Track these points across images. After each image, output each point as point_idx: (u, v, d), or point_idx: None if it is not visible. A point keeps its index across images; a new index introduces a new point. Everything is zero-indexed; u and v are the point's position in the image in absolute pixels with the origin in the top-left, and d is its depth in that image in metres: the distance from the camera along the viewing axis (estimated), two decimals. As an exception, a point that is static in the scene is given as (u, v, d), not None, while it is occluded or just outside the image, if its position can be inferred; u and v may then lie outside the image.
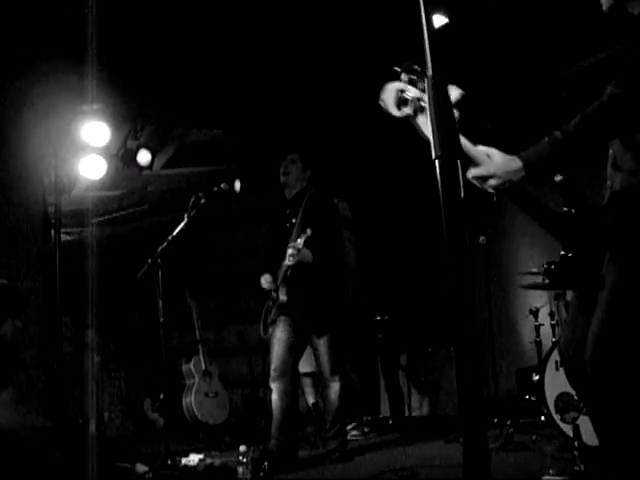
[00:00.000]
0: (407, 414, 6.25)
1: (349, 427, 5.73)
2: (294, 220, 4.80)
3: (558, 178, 4.88)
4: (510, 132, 6.41)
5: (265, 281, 4.85)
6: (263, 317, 4.84)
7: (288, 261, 4.59)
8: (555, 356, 4.34)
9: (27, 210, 5.90)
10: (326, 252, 4.72)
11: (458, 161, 1.71)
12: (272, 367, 4.76)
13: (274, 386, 4.75)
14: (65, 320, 6.25)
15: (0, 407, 4.58)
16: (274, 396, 4.75)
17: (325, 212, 4.87)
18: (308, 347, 4.92)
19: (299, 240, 4.48)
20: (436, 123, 1.69)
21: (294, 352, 4.78)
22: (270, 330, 4.78)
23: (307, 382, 6.04)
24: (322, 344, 4.75)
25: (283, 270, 4.70)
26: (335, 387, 4.78)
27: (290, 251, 4.55)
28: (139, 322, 7.47)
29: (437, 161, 1.71)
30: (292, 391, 4.78)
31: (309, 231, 4.47)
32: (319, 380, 5.87)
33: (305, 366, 5.56)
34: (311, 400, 6.08)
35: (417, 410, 6.23)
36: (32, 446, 4.46)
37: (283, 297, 4.67)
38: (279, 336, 4.76)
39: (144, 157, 6.59)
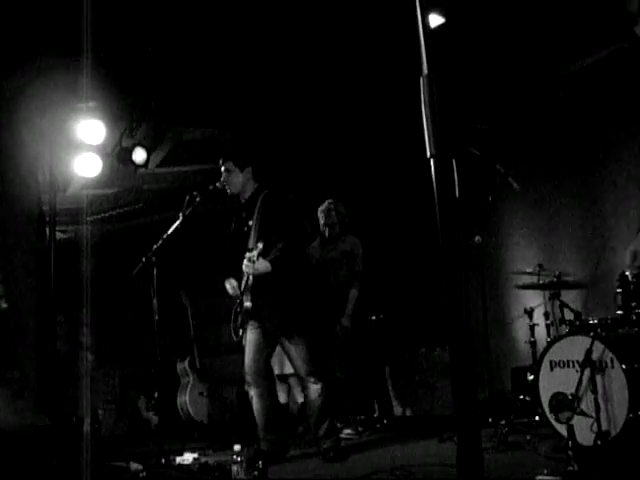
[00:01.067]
0: (401, 413, 6.25)
1: (341, 426, 5.74)
2: (251, 222, 4.77)
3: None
4: (506, 132, 6.43)
5: (230, 286, 4.84)
6: (232, 321, 4.82)
7: (245, 270, 4.61)
8: (550, 356, 4.34)
9: (22, 208, 5.88)
10: (285, 255, 4.66)
11: (453, 160, 1.72)
12: (245, 371, 4.79)
13: (250, 390, 4.79)
14: (59, 318, 6.24)
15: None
16: (253, 400, 4.78)
17: (280, 211, 4.79)
18: (279, 350, 4.95)
19: (253, 252, 4.47)
20: (431, 122, 1.69)
21: (264, 354, 4.80)
22: (241, 333, 4.77)
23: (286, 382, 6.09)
24: (293, 346, 4.74)
25: (245, 277, 4.69)
26: (314, 387, 4.77)
27: (245, 262, 4.55)
28: (133, 320, 7.46)
29: (432, 160, 1.71)
30: (268, 391, 4.81)
31: (260, 245, 4.45)
32: (286, 381, 5.91)
33: (283, 368, 5.63)
34: (283, 400, 6.08)
35: (411, 410, 6.23)
36: (26, 444, 4.45)
37: (248, 304, 4.64)
38: (249, 339, 4.78)
39: (139, 155, 6.57)
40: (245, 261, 4.55)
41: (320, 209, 6.21)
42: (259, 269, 4.55)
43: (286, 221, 4.77)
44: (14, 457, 4.25)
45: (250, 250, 4.54)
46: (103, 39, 4.98)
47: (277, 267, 4.61)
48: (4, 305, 4.83)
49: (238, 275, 4.76)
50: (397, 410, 6.31)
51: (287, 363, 5.37)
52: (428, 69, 1.68)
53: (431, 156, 1.69)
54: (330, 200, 6.21)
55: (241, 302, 4.69)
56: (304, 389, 4.87)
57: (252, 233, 4.72)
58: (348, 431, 5.80)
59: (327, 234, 6.16)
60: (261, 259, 4.52)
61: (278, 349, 4.97)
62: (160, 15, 5.21)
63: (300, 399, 5.86)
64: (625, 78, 5.57)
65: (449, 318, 1.80)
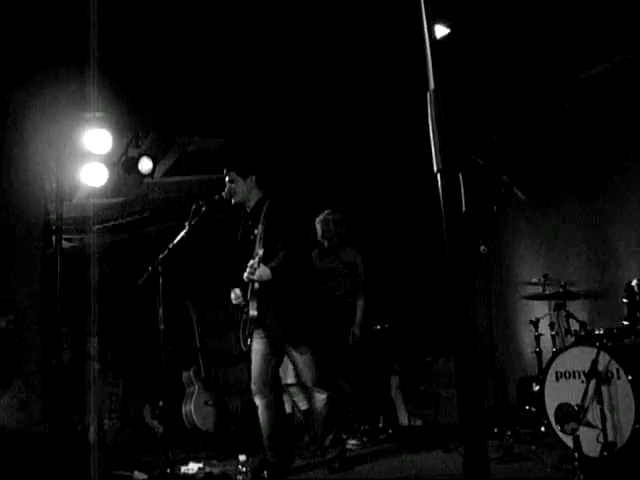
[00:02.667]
0: (407, 424, 6.23)
1: (346, 437, 5.72)
2: (256, 231, 4.77)
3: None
4: (512, 142, 6.44)
5: (235, 297, 4.83)
6: (241, 331, 4.82)
7: (246, 279, 4.61)
8: (555, 366, 4.34)
9: (28, 217, 5.90)
10: (287, 263, 4.64)
11: (459, 175, 1.72)
12: (252, 381, 4.76)
13: (256, 400, 4.74)
14: (63, 329, 6.24)
15: (1, 412, 4.59)
16: (259, 410, 4.74)
17: (284, 219, 4.78)
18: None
19: (255, 259, 4.49)
20: (437, 137, 1.69)
21: (271, 363, 4.77)
22: (249, 342, 4.76)
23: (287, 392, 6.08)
24: (298, 355, 4.72)
25: (250, 285, 4.68)
26: (319, 397, 4.75)
27: (248, 270, 4.56)
28: (139, 329, 7.47)
29: (438, 175, 1.71)
30: (275, 401, 4.77)
31: (260, 252, 4.49)
32: (298, 390, 5.88)
33: (285, 377, 5.59)
34: (288, 409, 6.07)
35: (416, 420, 6.22)
36: (32, 452, 4.45)
37: (253, 312, 4.63)
38: (255, 348, 4.76)
39: (145, 165, 6.59)
40: (247, 269, 4.56)
41: (318, 220, 6.20)
42: (261, 276, 4.56)
43: (289, 229, 4.77)
44: (19, 465, 4.26)
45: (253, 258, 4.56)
46: (109, 49, 5.00)
47: (279, 275, 4.60)
48: (3, 324, 4.86)
49: (245, 284, 4.76)
50: (403, 420, 6.30)
51: (289, 372, 5.36)
52: (435, 84, 1.69)
53: (438, 171, 1.70)
54: (328, 210, 6.21)
55: (248, 311, 4.69)
56: (310, 399, 4.86)
57: (257, 242, 4.73)
58: (353, 441, 5.78)
59: (326, 245, 6.16)
60: (262, 266, 4.53)
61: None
62: (166, 26, 5.24)
63: (303, 407, 5.86)
64: (629, 89, 5.58)
65: (455, 328, 1.81)
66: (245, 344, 4.73)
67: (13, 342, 5.24)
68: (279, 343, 4.75)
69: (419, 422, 6.18)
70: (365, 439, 5.88)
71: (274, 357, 4.78)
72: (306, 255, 5.01)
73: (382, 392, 6.38)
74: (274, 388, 4.79)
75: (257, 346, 4.75)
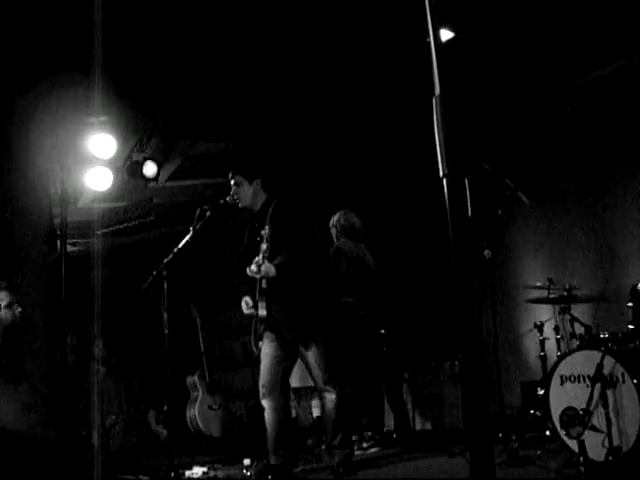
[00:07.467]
0: (411, 428, 6.21)
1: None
2: (263, 233, 4.75)
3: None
4: (516, 146, 6.44)
5: (245, 305, 4.80)
6: (252, 333, 4.80)
7: (250, 273, 4.59)
8: (560, 370, 4.32)
9: (33, 221, 5.92)
10: (291, 261, 4.63)
11: (465, 179, 1.72)
12: (260, 383, 4.73)
13: (264, 403, 4.71)
14: (69, 336, 6.25)
15: (5, 415, 4.59)
16: (266, 413, 4.70)
17: (290, 220, 4.77)
18: None
19: (259, 256, 4.49)
20: (443, 141, 1.69)
21: (281, 367, 4.73)
22: (260, 345, 4.74)
23: (315, 395, 6.06)
24: (310, 355, 4.70)
25: (257, 285, 4.65)
26: (330, 397, 4.73)
27: (253, 267, 4.54)
28: (143, 334, 7.47)
29: (444, 179, 1.71)
30: (283, 405, 4.74)
31: (264, 246, 4.47)
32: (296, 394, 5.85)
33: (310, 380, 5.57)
34: (316, 413, 6.06)
35: (421, 424, 6.20)
36: (36, 457, 4.45)
37: (262, 312, 4.61)
38: (265, 351, 4.72)
39: (150, 169, 6.61)
40: (253, 266, 4.55)
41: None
42: (266, 272, 4.53)
43: (294, 230, 4.76)
44: (25, 468, 4.26)
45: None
46: (114, 55, 5.03)
47: (283, 272, 4.58)
48: (18, 309, 4.88)
49: (253, 285, 4.75)
50: (408, 425, 6.28)
51: (295, 376, 5.34)
52: (440, 89, 1.69)
53: (444, 176, 1.69)
54: (342, 211, 6.21)
55: (257, 313, 4.67)
56: (321, 399, 4.84)
57: (264, 242, 4.72)
58: (357, 446, 5.75)
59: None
60: (267, 262, 4.52)
61: None
62: (170, 31, 5.26)
63: (317, 413, 5.84)
64: (633, 92, 5.58)
65: (460, 332, 1.80)
66: (256, 347, 4.70)
67: (19, 346, 5.25)
68: (289, 345, 4.73)
69: (428, 426, 6.15)
70: (370, 444, 5.86)
71: (284, 361, 4.75)
72: (313, 255, 4.99)
73: (393, 397, 6.34)
74: (283, 392, 4.75)
75: (267, 349, 4.72)
